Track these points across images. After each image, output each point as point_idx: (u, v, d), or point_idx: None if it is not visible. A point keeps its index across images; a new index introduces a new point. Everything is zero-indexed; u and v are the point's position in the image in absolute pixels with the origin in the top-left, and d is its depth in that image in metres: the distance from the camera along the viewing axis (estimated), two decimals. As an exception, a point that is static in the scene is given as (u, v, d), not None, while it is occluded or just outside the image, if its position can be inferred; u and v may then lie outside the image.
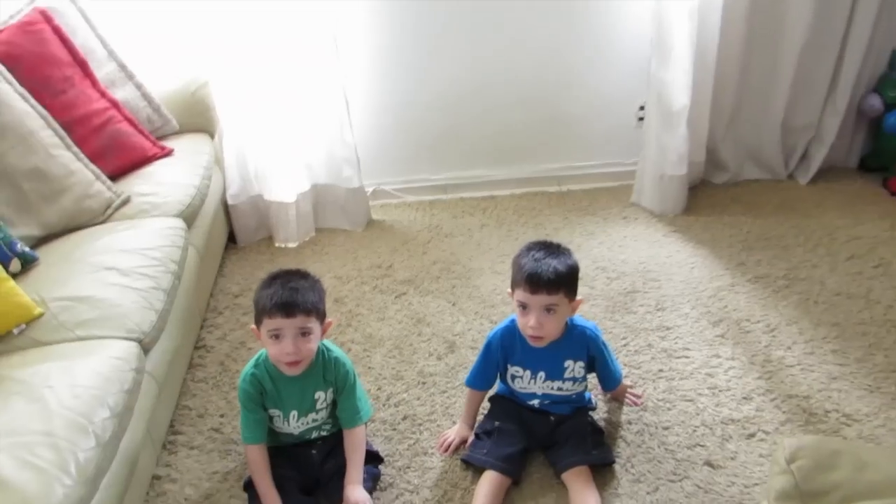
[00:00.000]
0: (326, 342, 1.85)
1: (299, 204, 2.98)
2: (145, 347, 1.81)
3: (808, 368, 2.21)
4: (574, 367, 1.87)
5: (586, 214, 3.14)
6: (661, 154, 3.01)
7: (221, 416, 2.15)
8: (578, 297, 1.82)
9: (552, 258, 1.76)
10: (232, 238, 3.06)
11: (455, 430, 2.00)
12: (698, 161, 3.18)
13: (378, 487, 1.90)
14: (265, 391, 1.79)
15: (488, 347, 1.92)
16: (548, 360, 1.86)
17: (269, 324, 1.68)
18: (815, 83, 3.09)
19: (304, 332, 1.70)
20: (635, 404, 2.09)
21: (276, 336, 1.68)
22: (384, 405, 2.16)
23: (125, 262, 2.00)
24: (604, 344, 1.90)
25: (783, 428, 2.02)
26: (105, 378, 1.61)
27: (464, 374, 2.25)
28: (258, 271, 2.86)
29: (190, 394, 2.25)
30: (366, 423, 1.90)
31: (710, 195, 3.23)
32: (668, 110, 2.91)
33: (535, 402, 1.93)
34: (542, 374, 1.88)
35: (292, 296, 1.67)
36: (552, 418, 1.94)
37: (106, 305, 1.85)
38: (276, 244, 3.03)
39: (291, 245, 3.01)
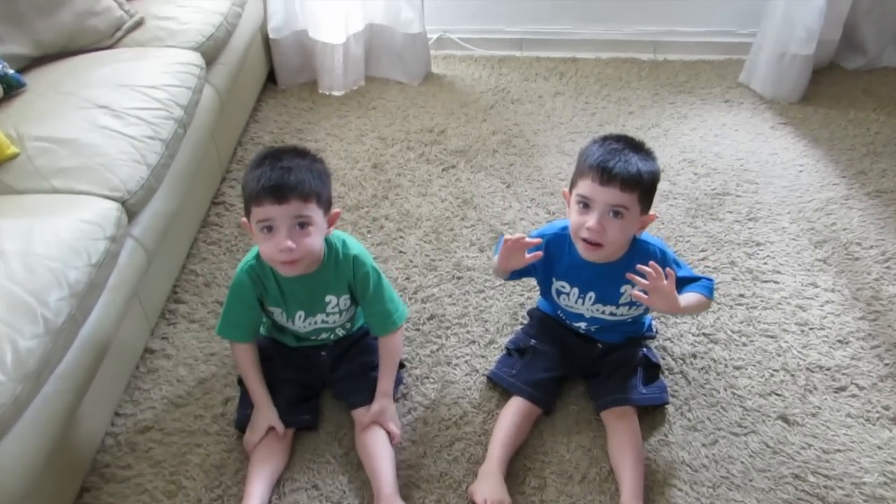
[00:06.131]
0: (343, 235, 1.54)
1: (349, 46, 2.59)
2: (131, 210, 1.54)
3: (928, 315, 1.81)
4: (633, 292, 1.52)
5: (681, 92, 2.65)
6: (786, 27, 2.46)
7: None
8: (652, 212, 1.45)
9: (633, 153, 1.40)
10: (273, 78, 2.72)
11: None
12: (831, 40, 2.62)
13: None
14: (266, 290, 1.51)
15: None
16: (600, 279, 1.51)
17: (259, 213, 1.35)
18: None
19: (303, 223, 1.37)
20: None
21: (268, 228, 1.36)
22: (410, 299, 1.88)
23: (121, 101, 1.70)
24: (675, 262, 1.53)
25: (882, 385, 1.67)
26: (69, 248, 1.35)
27: (507, 272, 1.94)
28: (296, 120, 2.54)
29: (199, 257, 2.01)
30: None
31: (836, 82, 2.68)
32: (805, -28, 2.34)
33: (582, 324, 1.61)
34: (591, 295, 1.54)
35: (284, 176, 1.33)
36: (599, 346, 1.63)
37: (90, 153, 1.57)
38: (320, 90, 2.67)
39: (336, 93, 2.66)
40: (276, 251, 1.36)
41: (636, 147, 1.42)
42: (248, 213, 1.40)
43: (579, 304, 1.56)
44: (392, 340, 1.56)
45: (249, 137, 2.45)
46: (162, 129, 1.68)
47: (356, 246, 1.53)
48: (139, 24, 2.00)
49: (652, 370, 1.62)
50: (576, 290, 1.55)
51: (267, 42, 2.61)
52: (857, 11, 2.60)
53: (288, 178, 1.33)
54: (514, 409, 1.55)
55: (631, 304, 1.54)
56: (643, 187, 1.38)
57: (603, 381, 1.59)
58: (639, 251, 1.48)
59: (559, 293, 1.58)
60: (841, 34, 2.63)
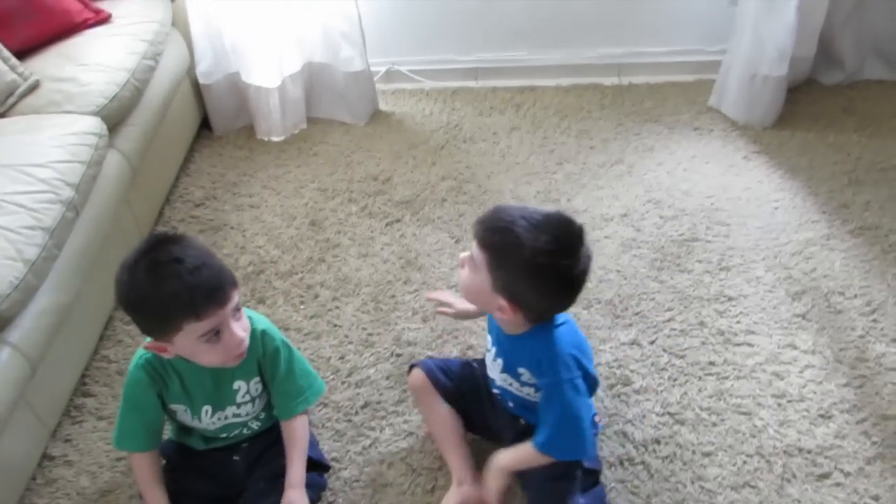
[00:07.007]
0: (246, 310, 1.36)
1: (286, 89, 2.39)
2: (3, 316, 1.35)
3: (920, 380, 1.62)
4: (530, 376, 1.34)
5: (647, 121, 2.45)
6: (756, 48, 2.26)
7: (144, 376, 1.73)
8: (520, 309, 1.24)
9: (533, 229, 1.16)
10: (208, 124, 2.52)
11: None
12: (806, 57, 2.42)
13: None
14: (166, 385, 1.33)
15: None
16: (507, 347, 1.36)
17: (202, 326, 1.18)
18: None
19: (237, 307, 1.26)
20: None
21: (217, 333, 1.21)
22: (343, 383, 1.69)
23: None
24: (557, 384, 1.26)
25: (870, 468, 1.47)
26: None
27: (452, 346, 1.76)
28: (231, 172, 2.35)
29: (114, 339, 1.82)
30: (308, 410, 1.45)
31: (814, 101, 2.48)
32: (773, -12, 2.14)
33: (496, 391, 1.46)
34: (500, 362, 1.39)
35: (212, 275, 1.18)
36: (522, 422, 1.45)
37: (-43, 254, 1.38)
38: (259, 136, 2.48)
39: (276, 139, 2.46)
40: (233, 348, 1.23)
41: (566, 238, 1.18)
42: (166, 334, 1.20)
43: (493, 366, 1.41)
44: (297, 424, 1.41)
45: (178, 195, 2.26)
46: (45, 216, 1.49)
47: (262, 320, 1.38)
48: (34, 87, 1.81)
49: (588, 477, 1.39)
50: (493, 350, 1.40)
51: (198, 87, 2.42)
52: (833, 24, 2.40)
53: (215, 272, 1.20)
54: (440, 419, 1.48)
55: (535, 386, 1.35)
56: (493, 252, 1.19)
57: (535, 492, 1.39)
58: (537, 339, 1.28)
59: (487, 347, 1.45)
60: (817, 49, 2.43)
